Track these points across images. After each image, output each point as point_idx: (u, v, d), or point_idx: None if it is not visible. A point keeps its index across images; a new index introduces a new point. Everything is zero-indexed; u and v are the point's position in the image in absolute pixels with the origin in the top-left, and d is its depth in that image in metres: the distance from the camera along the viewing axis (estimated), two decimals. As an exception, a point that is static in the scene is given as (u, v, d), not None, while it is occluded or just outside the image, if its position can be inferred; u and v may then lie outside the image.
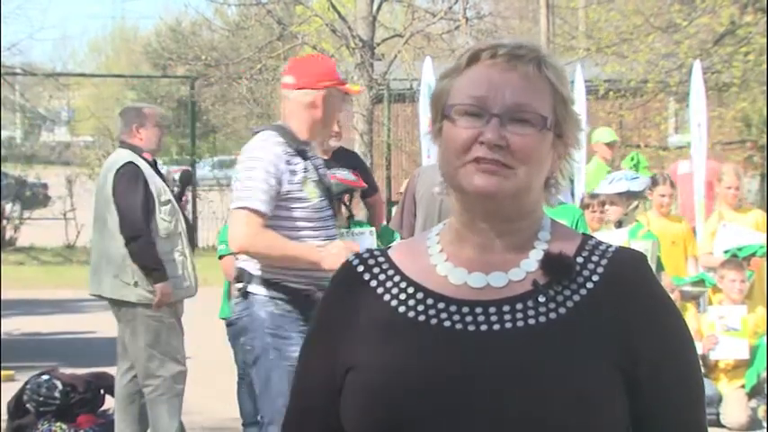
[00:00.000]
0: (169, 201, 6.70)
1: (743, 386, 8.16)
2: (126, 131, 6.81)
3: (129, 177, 6.58)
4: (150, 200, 6.58)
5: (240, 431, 7.42)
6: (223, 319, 7.32)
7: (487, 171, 1.81)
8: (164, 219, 6.62)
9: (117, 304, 6.64)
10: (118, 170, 6.62)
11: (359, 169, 7.72)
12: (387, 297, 1.89)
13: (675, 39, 17.63)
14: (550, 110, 1.86)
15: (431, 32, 16.54)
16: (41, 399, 7.17)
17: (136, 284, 6.53)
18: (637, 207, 8.41)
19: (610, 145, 10.79)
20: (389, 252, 1.96)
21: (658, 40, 18.03)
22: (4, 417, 7.33)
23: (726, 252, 8.71)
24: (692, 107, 11.05)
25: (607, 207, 8.14)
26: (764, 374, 8.12)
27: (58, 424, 7.13)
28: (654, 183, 8.94)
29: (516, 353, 1.79)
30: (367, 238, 7.34)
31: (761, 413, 8.09)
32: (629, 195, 8.26)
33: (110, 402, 7.22)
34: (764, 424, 8.03)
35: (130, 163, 6.62)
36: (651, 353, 1.83)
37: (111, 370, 7.13)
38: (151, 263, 6.52)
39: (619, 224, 8.15)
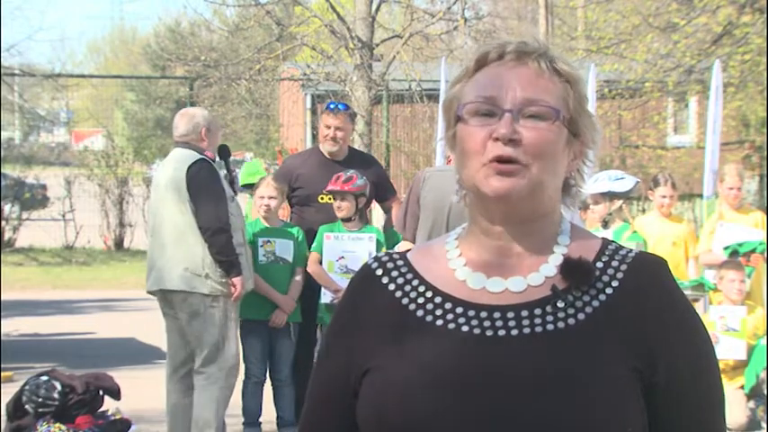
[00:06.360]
0: (233, 197, 6.91)
1: (742, 387, 8.16)
2: (194, 136, 6.91)
3: (207, 172, 6.74)
4: (227, 194, 6.79)
5: (241, 431, 7.43)
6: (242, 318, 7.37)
7: (504, 172, 1.79)
8: (232, 213, 6.79)
9: (184, 295, 6.73)
10: (191, 165, 6.73)
11: (371, 172, 7.70)
12: (405, 300, 1.88)
13: (674, 39, 17.63)
14: (563, 104, 1.83)
15: (429, 33, 16.54)
16: (40, 399, 7.16)
17: (207, 276, 6.68)
18: (621, 208, 8.35)
19: None
20: (408, 255, 1.94)
21: (657, 39, 18.02)
22: (3, 418, 7.33)
23: (726, 248, 8.68)
24: (710, 106, 10.95)
25: (591, 207, 8.10)
26: (763, 375, 8.11)
27: (57, 425, 7.12)
28: (655, 183, 8.90)
29: (534, 358, 1.77)
30: (365, 244, 7.34)
31: (760, 413, 8.09)
32: (612, 196, 8.21)
33: (108, 403, 7.22)
34: (763, 424, 8.03)
35: (204, 159, 6.78)
36: (670, 357, 1.81)
37: (110, 371, 7.12)
38: (233, 256, 6.70)
39: (605, 224, 8.11)
